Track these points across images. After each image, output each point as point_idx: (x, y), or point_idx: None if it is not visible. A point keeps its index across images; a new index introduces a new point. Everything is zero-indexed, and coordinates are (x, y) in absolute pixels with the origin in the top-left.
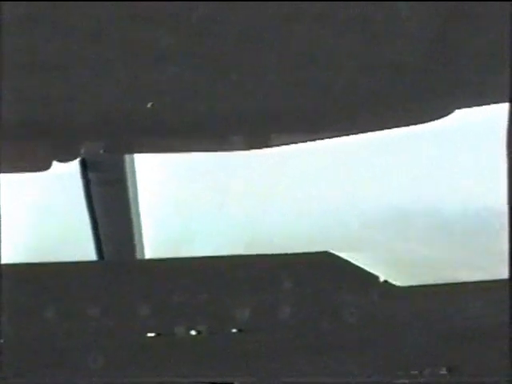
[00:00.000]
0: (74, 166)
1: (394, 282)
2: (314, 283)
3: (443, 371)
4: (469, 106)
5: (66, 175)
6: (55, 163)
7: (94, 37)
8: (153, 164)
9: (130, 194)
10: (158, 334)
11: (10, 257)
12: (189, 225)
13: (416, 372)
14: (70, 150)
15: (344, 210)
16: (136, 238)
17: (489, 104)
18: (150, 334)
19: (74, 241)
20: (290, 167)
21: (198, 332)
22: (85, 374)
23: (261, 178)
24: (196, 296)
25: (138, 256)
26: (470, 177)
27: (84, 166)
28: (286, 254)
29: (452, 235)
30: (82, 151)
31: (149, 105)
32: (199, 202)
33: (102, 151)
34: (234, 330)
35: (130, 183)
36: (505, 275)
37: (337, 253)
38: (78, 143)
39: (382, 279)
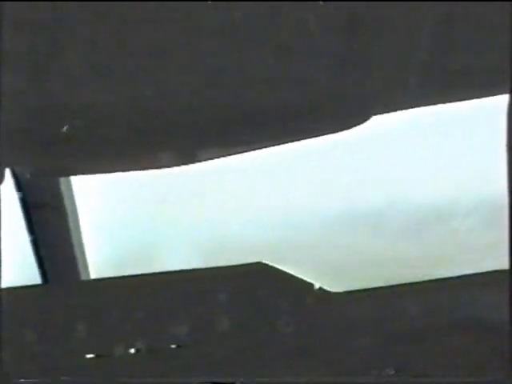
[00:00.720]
0: (10, 189)
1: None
2: (250, 294)
3: (391, 371)
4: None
5: (3, 199)
6: None
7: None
8: (91, 183)
9: (69, 215)
10: (96, 355)
11: None
12: (134, 241)
13: (363, 375)
14: None
15: (307, 214)
16: (79, 259)
17: (398, 111)
18: (88, 356)
19: (17, 265)
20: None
21: (137, 350)
22: None
23: (198, 190)
24: (134, 314)
25: (83, 277)
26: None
27: (20, 189)
28: (221, 267)
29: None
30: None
31: (64, 128)
32: (143, 217)
33: (28, 176)
34: (173, 346)
35: (68, 204)
36: (446, 274)
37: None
38: (3, 166)
39: (316, 286)
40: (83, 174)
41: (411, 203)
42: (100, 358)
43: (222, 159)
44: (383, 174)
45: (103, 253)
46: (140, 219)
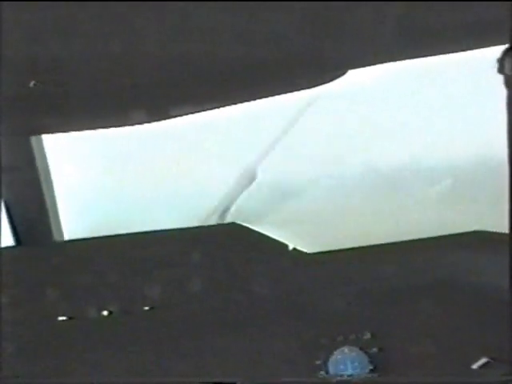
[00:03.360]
0: None
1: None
2: (224, 255)
3: (367, 336)
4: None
5: None
6: None
7: None
8: (63, 145)
9: (42, 177)
10: (69, 318)
11: None
12: (106, 203)
13: (341, 338)
14: None
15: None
16: (52, 221)
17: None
18: (61, 318)
19: None
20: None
21: (110, 312)
22: None
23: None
24: (106, 276)
25: (55, 239)
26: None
27: None
28: (195, 227)
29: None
30: None
31: (31, 84)
32: (117, 182)
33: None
34: (146, 308)
35: (40, 166)
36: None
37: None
38: None
39: (291, 247)
40: (54, 132)
41: (388, 163)
42: (72, 321)
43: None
44: (359, 132)
45: (77, 214)
46: (114, 179)
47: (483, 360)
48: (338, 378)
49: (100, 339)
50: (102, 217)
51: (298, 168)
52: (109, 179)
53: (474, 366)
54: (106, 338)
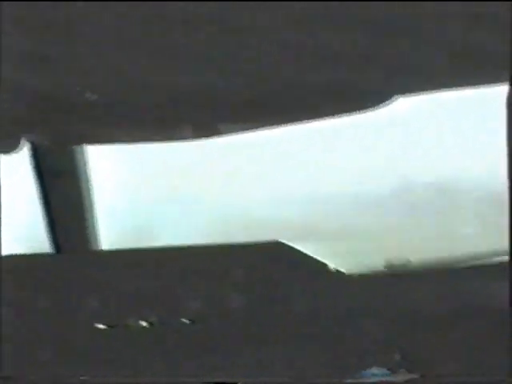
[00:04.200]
0: (25, 158)
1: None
2: (265, 272)
3: (397, 358)
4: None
5: (17, 167)
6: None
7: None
8: (106, 154)
9: (83, 187)
10: (108, 326)
11: None
12: (146, 215)
13: (371, 358)
14: (11, 140)
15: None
16: (90, 229)
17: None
18: (100, 326)
19: (29, 234)
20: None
21: (150, 323)
22: (34, 366)
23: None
24: (147, 287)
25: (93, 247)
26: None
27: (36, 158)
28: (237, 244)
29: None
30: (25, 143)
31: (88, 95)
32: (156, 191)
33: (46, 143)
34: (186, 321)
35: (82, 173)
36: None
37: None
38: (20, 134)
39: (331, 267)
40: (98, 142)
41: (423, 184)
42: (111, 329)
43: (241, 135)
44: (396, 155)
45: (115, 224)
46: (153, 192)
47: None
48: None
49: (139, 348)
50: (141, 228)
51: (339, 185)
52: (149, 192)
53: None
54: (143, 348)
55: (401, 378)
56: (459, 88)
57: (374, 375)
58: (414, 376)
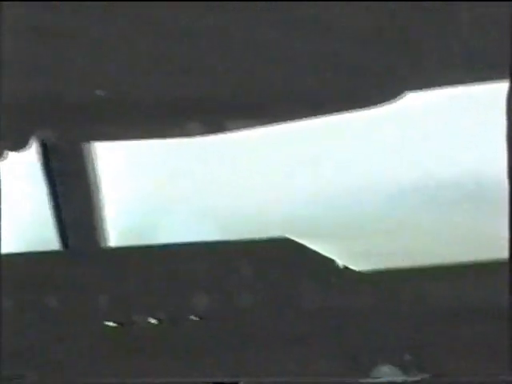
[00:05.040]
0: (34, 155)
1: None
2: (274, 270)
3: (408, 357)
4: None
5: (26, 164)
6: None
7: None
8: (114, 151)
9: (92, 184)
10: (117, 323)
11: None
12: (153, 212)
13: (382, 357)
14: (20, 138)
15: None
16: (99, 226)
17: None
18: (109, 324)
19: (37, 230)
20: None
21: (158, 320)
22: (42, 367)
23: (227, 165)
24: (155, 284)
25: (102, 245)
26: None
27: (45, 155)
28: (245, 240)
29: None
30: (34, 139)
31: (98, 92)
32: (164, 190)
33: (54, 141)
34: (194, 318)
35: (90, 171)
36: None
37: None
38: (29, 131)
39: (341, 264)
40: (107, 140)
41: (439, 181)
42: (120, 327)
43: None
44: (409, 152)
45: (124, 221)
46: (161, 189)
47: None
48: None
49: (148, 345)
50: (150, 226)
51: (347, 181)
52: (158, 189)
53: None
54: (152, 345)
55: (412, 379)
56: (466, 84)
57: (385, 374)
58: (426, 375)
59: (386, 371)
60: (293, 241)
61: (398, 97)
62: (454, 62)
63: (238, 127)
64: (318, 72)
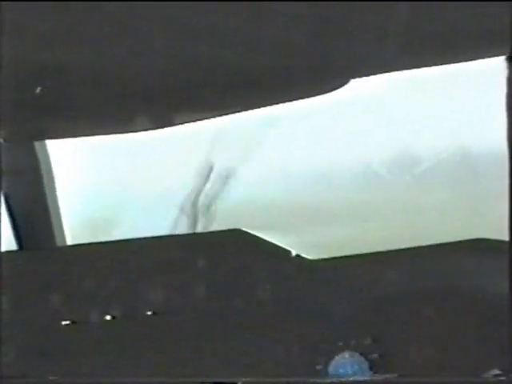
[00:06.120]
0: None
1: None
2: (227, 261)
3: (368, 341)
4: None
5: None
6: None
7: None
8: (67, 149)
9: (45, 182)
10: (72, 322)
11: None
12: (109, 208)
13: (341, 343)
14: None
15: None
16: (55, 225)
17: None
18: (64, 322)
19: None
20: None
21: (113, 317)
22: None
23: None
24: (109, 280)
25: (59, 243)
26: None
27: None
28: (197, 233)
29: None
30: None
31: (37, 90)
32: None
33: (1, 140)
34: (149, 313)
35: (43, 171)
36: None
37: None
38: None
39: (293, 253)
40: (58, 137)
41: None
42: (75, 325)
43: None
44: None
45: (79, 218)
46: (118, 185)
47: (494, 372)
48: (336, 379)
49: (102, 343)
50: (105, 222)
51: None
52: (112, 185)
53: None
54: (108, 341)
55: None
56: (460, 62)
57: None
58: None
59: (346, 357)
60: (244, 231)
61: (342, 84)
62: (392, 47)
63: (185, 120)
64: (263, 62)
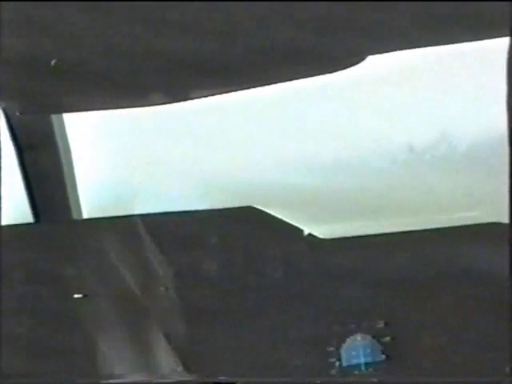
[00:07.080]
0: (3, 131)
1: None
2: (240, 238)
3: (380, 324)
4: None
5: None
6: None
7: None
8: (85, 124)
9: (62, 156)
10: (84, 296)
11: None
12: (126, 183)
13: (354, 326)
14: None
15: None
16: (71, 198)
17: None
18: (76, 296)
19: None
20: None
21: (125, 291)
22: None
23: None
24: (123, 255)
25: (74, 217)
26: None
27: (12, 130)
28: (211, 210)
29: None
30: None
31: (52, 62)
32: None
33: (18, 113)
34: (163, 289)
35: (60, 144)
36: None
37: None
38: None
39: (306, 232)
40: (75, 110)
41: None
42: (88, 298)
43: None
44: (378, 117)
45: (96, 193)
46: (134, 159)
47: None
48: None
49: (116, 316)
50: (121, 196)
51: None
52: (128, 159)
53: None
54: (122, 315)
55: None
56: (462, 42)
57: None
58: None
59: (358, 339)
60: (258, 209)
61: (359, 61)
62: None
63: (200, 95)
64: (278, 39)
